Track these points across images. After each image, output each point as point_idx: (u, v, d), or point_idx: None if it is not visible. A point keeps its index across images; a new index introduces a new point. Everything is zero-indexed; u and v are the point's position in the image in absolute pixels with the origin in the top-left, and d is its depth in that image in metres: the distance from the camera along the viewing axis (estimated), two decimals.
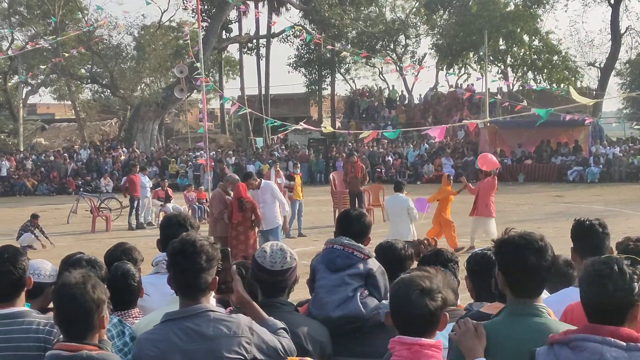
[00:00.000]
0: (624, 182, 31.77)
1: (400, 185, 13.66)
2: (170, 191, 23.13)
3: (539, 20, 46.46)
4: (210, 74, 43.07)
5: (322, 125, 28.08)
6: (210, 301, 3.53)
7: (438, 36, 48.69)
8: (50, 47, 40.69)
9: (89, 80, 47.37)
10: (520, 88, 44.23)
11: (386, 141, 38.64)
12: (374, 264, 4.08)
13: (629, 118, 50.50)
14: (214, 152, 36.93)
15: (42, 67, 42.15)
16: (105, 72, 44.81)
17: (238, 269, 3.69)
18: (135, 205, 21.29)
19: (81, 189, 31.81)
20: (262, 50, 50.15)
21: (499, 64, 47.54)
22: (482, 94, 39.07)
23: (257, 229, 12.57)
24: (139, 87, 46.99)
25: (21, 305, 3.78)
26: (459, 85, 48.08)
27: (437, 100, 46.48)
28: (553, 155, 34.79)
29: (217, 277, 3.41)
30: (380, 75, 57.63)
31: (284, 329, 3.51)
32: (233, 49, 54.18)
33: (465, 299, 4.22)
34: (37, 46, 35.19)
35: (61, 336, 3.24)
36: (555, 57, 45.10)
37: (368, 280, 4.04)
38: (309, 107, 53.12)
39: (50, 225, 20.51)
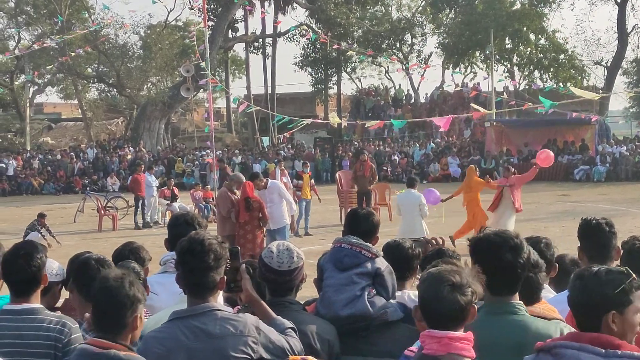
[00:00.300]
0: (631, 181, 31.67)
1: (413, 181, 13.64)
2: (176, 190, 23.17)
3: (545, 19, 46.40)
4: (216, 73, 43.09)
5: (329, 116, 28.00)
6: (218, 300, 3.54)
7: (444, 35, 48.64)
8: (56, 47, 40.79)
9: (95, 80, 47.45)
10: (527, 87, 44.16)
11: (390, 140, 38.67)
12: (381, 263, 4.08)
13: (635, 117, 50.38)
14: (220, 152, 36.98)
15: (49, 66, 42.30)
16: (112, 71, 44.87)
17: (246, 268, 3.71)
18: (140, 204, 21.33)
19: (88, 188, 31.88)
20: (268, 50, 50.21)
21: (505, 63, 47.48)
22: (488, 93, 39.01)
23: (264, 229, 12.57)
24: (146, 86, 47.03)
25: (36, 302, 3.78)
26: (465, 84, 48.03)
27: (443, 100, 46.43)
28: (559, 154, 34.66)
29: (226, 276, 3.42)
30: (386, 74, 57.62)
31: (292, 328, 3.52)
32: (239, 48, 54.33)
33: None
34: (43, 45, 35.25)
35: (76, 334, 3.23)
36: (562, 56, 45.03)
37: (376, 279, 4.04)
38: (315, 106, 53.11)
39: (57, 224, 20.56)
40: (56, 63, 39.16)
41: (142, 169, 22.54)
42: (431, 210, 14.25)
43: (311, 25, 47.05)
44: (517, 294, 3.34)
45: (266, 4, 47.09)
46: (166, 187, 23.54)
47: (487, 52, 41.80)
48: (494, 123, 35.47)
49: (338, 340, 3.85)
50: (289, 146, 41.14)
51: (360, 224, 4.32)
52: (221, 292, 3.62)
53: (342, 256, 4.07)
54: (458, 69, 47.43)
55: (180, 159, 38.66)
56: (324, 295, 4.07)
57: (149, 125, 43.29)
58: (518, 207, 14.76)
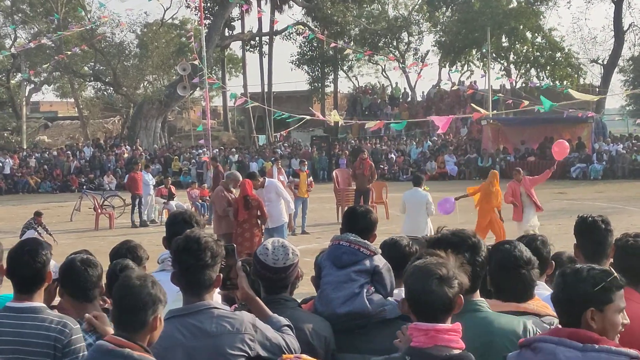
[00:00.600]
0: (627, 178, 31.73)
1: (420, 179, 13.51)
2: (173, 189, 23.15)
3: (541, 17, 46.43)
4: (213, 72, 43.06)
5: (331, 114, 27.94)
6: (215, 298, 3.54)
7: (441, 33, 48.65)
8: (53, 45, 40.74)
9: (91, 78, 47.37)
10: (523, 85, 44.19)
11: (387, 138, 38.66)
12: (380, 261, 4.08)
13: (632, 115, 50.45)
14: (217, 150, 36.97)
15: (45, 64, 42.18)
16: (108, 69, 44.81)
17: (242, 266, 3.71)
18: (136, 203, 21.32)
19: (84, 187, 31.82)
20: (265, 48, 50.18)
21: (501, 61, 47.50)
22: (485, 91, 39.05)
23: (263, 227, 12.55)
24: (142, 84, 47.00)
25: (39, 301, 3.78)
26: (462, 83, 48.07)
27: (440, 98, 46.46)
28: None
29: (221, 274, 3.43)
30: (383, 73, 57.69)
31: (288, 326, 3.52)
32: (236, 47, 54.28)
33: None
34: (40, 44, 35.20)
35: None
36: (558, 54, 45.03)
37: (374, 276, 4.04)
38: (311, 105, 52.88)
39: (53, 223, 20.53)
40: (52, 61, 39.06)
41: (140, 167, 22.52)
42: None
43: (307, 23, 47.02)
44: (478, 291, 3.40)
45: (262, 2, 47.12)
46: (163, 186, 23.52)
47: (484, 50, 41.80)
48: (491, 121, 35.48)
49: (333, 337, 3.85)
50: (286, 144, 41.13)
51: (358, 221, 4.32)
52: (218, 290, 3.62)
53: (341, 253, 4.08)
54: (455, 67, 47.43)
55: (176, 157, 38.65)
56: (322, 292, 4.07)
57: (146, 123, 43.25)
58: (540, 206, 14.42)
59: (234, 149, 40.09)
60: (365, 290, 3.99)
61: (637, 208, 21.27)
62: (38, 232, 17.32)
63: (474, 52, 47.96)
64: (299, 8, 48.51)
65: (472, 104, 24.79)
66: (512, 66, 47.63)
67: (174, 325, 3.29)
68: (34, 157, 39.24)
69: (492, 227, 14.21)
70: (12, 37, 48.01)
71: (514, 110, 28.78)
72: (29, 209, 22.07)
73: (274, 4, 47.56)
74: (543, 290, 3.98)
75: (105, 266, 4.31)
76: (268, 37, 49.35)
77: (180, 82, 28.87)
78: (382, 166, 35.52)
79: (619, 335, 2.85)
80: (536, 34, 45.90)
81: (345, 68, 54.42)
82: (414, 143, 38.91)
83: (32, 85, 50.95)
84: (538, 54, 45.51)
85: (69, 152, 39.70)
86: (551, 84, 39.53)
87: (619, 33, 43.83)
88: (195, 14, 40.61)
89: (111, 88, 47.08)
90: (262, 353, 3.34)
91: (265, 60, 49.52)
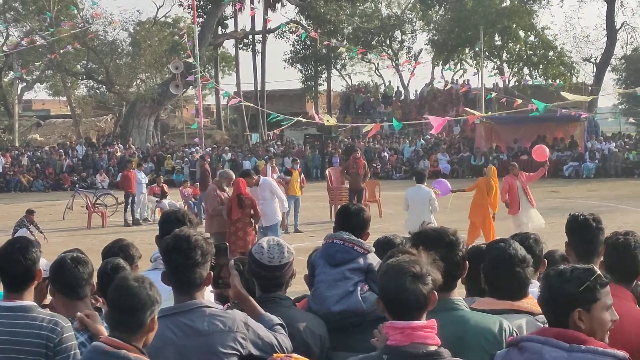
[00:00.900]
0: (620, 177, 31.82)
1: (422, 176, 13.47)
2: (166, 187, 23.11)
3: (534, 15, 46.46)
4: (206, 70, 42.99)
5: (323, 115, 27.95)
6: (208, 297, 3.53)
7: (434, 32, 48.66)
8: (45, 43, 40.63)
9: (84, 76, 47.30)
10: (516, 84, 44.25)
11: (379, 137, 38.64)
12: (373, 259, 4.08)
13: (624, 113, 50.56)
14: (209, 149, 36.92)
15: (38, 63, 42.06)
16: (101, 68, 44.73)
17: (236, 265, 3.70)
18: (130, 201, 21.28)
19: (77, 185, 31.78)
20: (258, 46, 50.12)
21: (494, 60, 47.57)
22: (478, 90, 39.09)
23: (257, 226, 12.52)
24: (135, 83, 46.92)
25: (29, 299, 3.76)
26: (455, 81, 48.11)
27: (433, 96, 46.50)
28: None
29: (212, 272, 3.41)
30: (376, 71, 57.65)
31: (280, 325, 3.51)
32: (229, 45, 54.19)
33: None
34: (32, 42, 35.10)
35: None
36: (551, 53, 45.09)
37: (368, 275, 4.04)
38: (304, 103, 53.05)
39: (45, 221, 20.47)
40: (45, 60, 38.96)
41: (133, 165, 22.48)
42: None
43: (301, 21, 46.98)
44: (456, 289, 3.42)
45: (255, 0, 47.08)
46: (156, 184, 23.47)
47: (477, 48, 41.86)
48: (484, 120, 35.52)
49: (328, 336, 3.85)
50: (279, 143, 41.11)
51: (351, 219, 4.31)
52: (210, 289, 3.61)
53: (334, 252, 4.07)
54: (448, 65, 47.47)
55: (169, 155, 38.59)
56: (316, 291, 4.06)
57: (138, 122, 43.19)
58: (532, 201, 14.46)
59: (227, 147, 40.04)
60: (359, 289, 3.98)
61: (630, 206, 21.33)
62: (30, 230, 17.29)
63: (466, 50, 47.98)
64: (292, 6, 48.50)
65: (465, 108, 24.77)
66: (505, 65, 47.70)
67: (165, 324, 3.27)
68: (26, 155, 39.14)
69: (483, 228, 14.22)
70: (4, 35, 47.91)
71: (507, 112, 28.80)
72: (21, 207, 21.99)
73: (267, 2, 47.49)
74: (536, 289, 3.98)
75: (98, 265, 4.29)
76: (261, 35, 49.27)
77: (173, 81, 28.81)
78: (375, 165, 35.53)
79: (608, 333, 2.84)
80: (529, 33, 45.94)
81: (338, 66, 54.43)
82: (407, 141, 38.93)
83: (25, 84, 50.81)
84: (531, 52, 45.56)
85: (61, 150, 39.62)
86: (543, 82, 39.63)
87: (612, 32, 43.91)
88: (188, 12, 40.44)
89: (104, 86, 47.01)
90: (254, 352, 3.33)
91: (259, 58, 49.48)
